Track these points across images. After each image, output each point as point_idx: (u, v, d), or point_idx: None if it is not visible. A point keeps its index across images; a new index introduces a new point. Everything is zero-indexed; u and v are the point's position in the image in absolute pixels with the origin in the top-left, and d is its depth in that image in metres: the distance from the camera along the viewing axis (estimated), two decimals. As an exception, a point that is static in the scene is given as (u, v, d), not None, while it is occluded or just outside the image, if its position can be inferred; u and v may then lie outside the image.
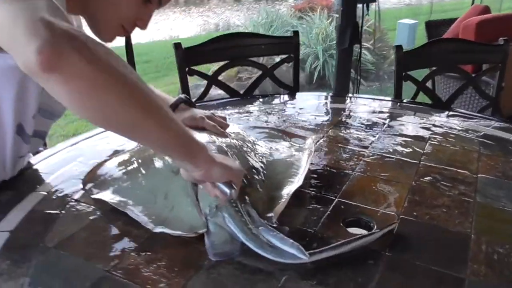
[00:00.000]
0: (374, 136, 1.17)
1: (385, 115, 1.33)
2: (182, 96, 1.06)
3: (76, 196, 0.89)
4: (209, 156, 0.72)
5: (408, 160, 1.04)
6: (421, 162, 1.03)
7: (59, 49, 0.53)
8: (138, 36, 8.69)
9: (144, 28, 0.86)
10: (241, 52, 1.65)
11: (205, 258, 0.72)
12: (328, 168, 1.00)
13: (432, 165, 1.02)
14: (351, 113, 1.38)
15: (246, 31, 5.49)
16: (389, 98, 1.51)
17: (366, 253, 0.73)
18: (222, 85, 1.65)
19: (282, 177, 0.88)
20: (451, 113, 1.37)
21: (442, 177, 0.96)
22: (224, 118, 1.08)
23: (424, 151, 1.09)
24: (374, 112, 1.37)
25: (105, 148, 1.10)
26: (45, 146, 1.18)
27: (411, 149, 1.10)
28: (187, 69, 1.56)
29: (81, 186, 0.92)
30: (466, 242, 0.76)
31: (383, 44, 5.26)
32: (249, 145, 0.97)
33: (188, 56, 1.56)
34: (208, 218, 0.76)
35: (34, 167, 1.02)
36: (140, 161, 0.94)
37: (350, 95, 1.62)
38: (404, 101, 1.50)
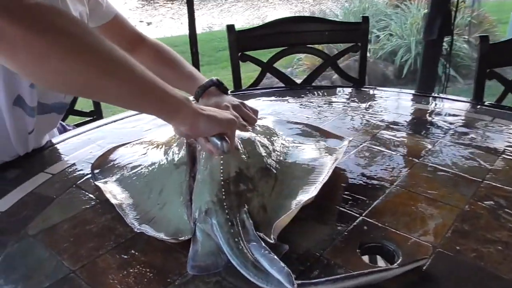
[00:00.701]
0: (432, 144, 0.97)
1: (455, 119, 1.12)
2: (214, 78, 0.96)
3: (79, 182, 0.84)
4: (193, 109, 0.67)
5: (468, 176, 0.84)
6: (485, 181, 0.82)
7: None
8: (232, 20, 8.85)
9: None
10: (301, 38, 1.51)
11: (183, 271, 0.61)
12: (362, 178, 0.84)
13: (498, 185, 0.81)
14: (413, 114, 1.18)
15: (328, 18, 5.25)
16: (467, 99, 1.27)
17: (376, 293, 0.57)
18: (276, 73, 1.53)
19: (297, 184, 0.75)
20: (543, 122, 1.11)
21: (507, 203, 0.75)
22: (256, 112, 0.96)
23: (493, 167, 0.87)
24: (441, 114, 1.16)
25: (129, 131, 1.05)
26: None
27: (475, 163, 0.89)
28: (239, 54, 1.47)
29: (89, 170, 0.87)
30: (520, 297, 0.57)
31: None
32: (272, 143, 0.85)
33: (241, 40, 1.46)
34: (197, 223, 0.66)
35: (54, 146, 0.99)
36: (152, 149, 0.87)
37: (425, 92, 1.40)
38: (486, 103, 1.25)
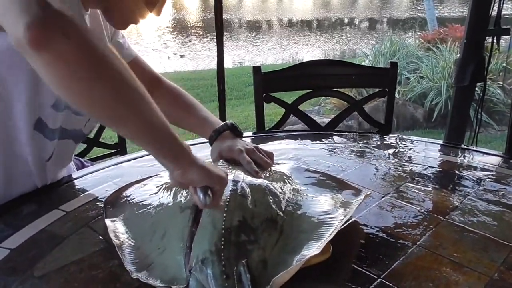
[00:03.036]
0: (460, 200, 0.92)
1: (485, 174, 1.06)
2: (228, 122, 0.96)
3: (91, 222, 0.83)
4: (190, 157, 0.69)
5: (498, 240, 0.78)
6: (517, 246, 0.77)
7: (48, 29, 0.54)
8: (264, 58, 9.01)
9: (158, 15, 0.85)
10: (327, 81, 1.49)
11: (186, 327, 0.58)
12: (383, 234, 0.80)
13: (532, 252, 0.75)
14: (440, 166, 1.13)
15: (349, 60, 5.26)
16: (498, 153, 1.22)
17: None
18: (301, 115, 1.51)
19: (303, 239, 0.71)
20: None
21: (542, 274, 0.70)
22: (271, 155, 0.94)
23: (526, 231, 0.81)
24: (471, 168, 1.10)
25: (147, 170, 1.03)
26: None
27: (505, 225, 0.83)
28: (264, 95, 1.46)
29: (102, 210, 0.86)
30: None
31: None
32: (283, 192, 0.82)
33: (266, 82, 1.46)
34: (192, 272, 0.63)
35: (71, 182, 0.99)
36: (164, 189, 0.86)
37: (454, 144, 1.35)
38: (519, 157, 1.19)
